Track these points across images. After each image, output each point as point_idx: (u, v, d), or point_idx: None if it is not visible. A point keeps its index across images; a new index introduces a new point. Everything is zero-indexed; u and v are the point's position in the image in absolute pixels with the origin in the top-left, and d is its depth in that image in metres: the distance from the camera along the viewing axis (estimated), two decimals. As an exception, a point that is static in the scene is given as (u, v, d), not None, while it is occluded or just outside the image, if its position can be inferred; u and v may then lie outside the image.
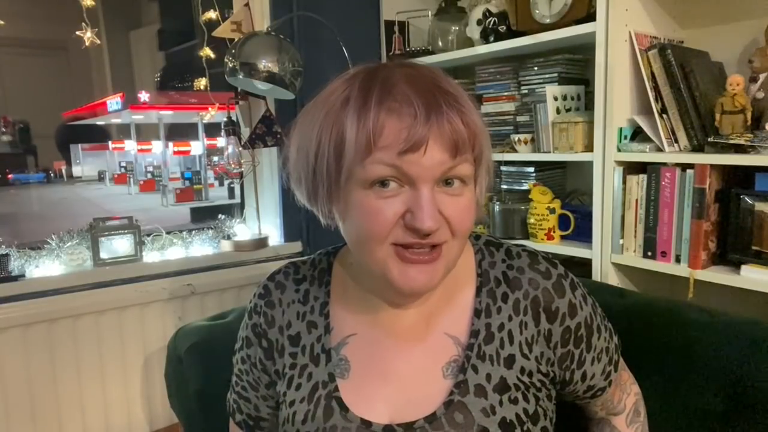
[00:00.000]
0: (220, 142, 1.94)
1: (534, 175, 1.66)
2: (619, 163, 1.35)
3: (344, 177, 0.59)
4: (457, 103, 0.58)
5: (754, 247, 1.16)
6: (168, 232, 1.89)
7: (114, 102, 17.42)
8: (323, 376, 0.68)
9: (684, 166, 1.23)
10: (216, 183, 16.75)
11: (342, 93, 0.60)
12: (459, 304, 0.69)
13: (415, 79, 0.58)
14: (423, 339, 0.68)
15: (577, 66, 1.59)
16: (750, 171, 1.17)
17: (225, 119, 1.81)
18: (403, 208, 0.58)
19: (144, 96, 16.33)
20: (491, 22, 1.62)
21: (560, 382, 0.71)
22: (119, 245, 1.73)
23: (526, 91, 1.64)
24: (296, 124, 0.65)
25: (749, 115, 1.17)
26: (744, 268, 1.16)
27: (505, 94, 1.69)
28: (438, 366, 0.66)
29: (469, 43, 1.75)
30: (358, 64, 0.64)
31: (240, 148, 1.82)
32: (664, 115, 1.29)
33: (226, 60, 1.61)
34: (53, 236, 1.70)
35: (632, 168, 1.34)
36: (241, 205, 2.09)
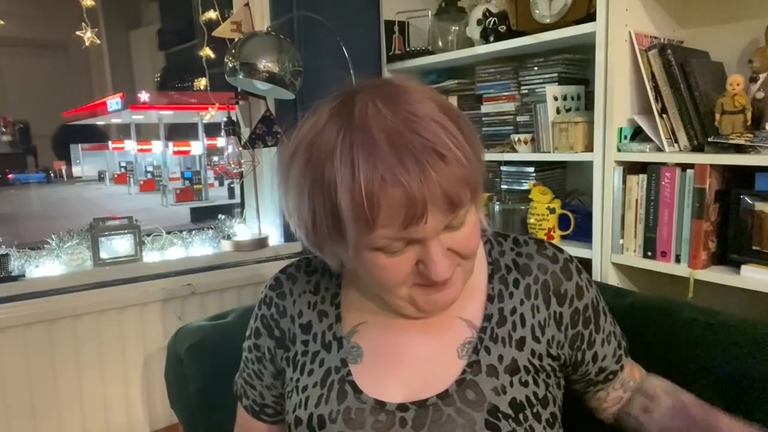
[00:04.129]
0: (220, 142, 1.94)
1: (534, 175, 1.66)
2: (619, 163, 1.35)
3: (348, 243, 0.58)
4: (444, 161, 0.55)
5: (754, 247, 1.16)
6: (168, 232, 1.89)
7: (114, 102, 17.45)
8: (335, 361, 0.70)
9: (684, 166, 1.23)
10: (216, 183, 16.78)
11: (326, 144, 0.57)
12: (472, 291, 0.71)
13: (396, 136, 0.55)
14: (437, 323, 0.69)
15: (577, 66, 1.59)
16: (750, 171, 1.17)
17: (225, 119, 1.81)
18: (415, 260, 0.60)
19: (144, 96, 16.34)
20: (491, 22, 1.62)
21: (572, 365, 0.73)
22: (119, 245, 1.73)
23: (526, 91, 1.64)
24: (283, 160, 0.62)
25: (749, 115, 1.17)
26: (744, 268, 1.16)
27: (505, 94, 1.69)
28: (453, 347, 0.68)
29: (469, 43, 1.75)
30: (333, 92, 0.61)
31: (240, 148, 1.82)
32: (664, 115, 1.29)
33: (226, 60, 1.61)
34: (53, 236, 1.70)
35: (632, 168, 1.34)
36: (241, 205, 2.09)
